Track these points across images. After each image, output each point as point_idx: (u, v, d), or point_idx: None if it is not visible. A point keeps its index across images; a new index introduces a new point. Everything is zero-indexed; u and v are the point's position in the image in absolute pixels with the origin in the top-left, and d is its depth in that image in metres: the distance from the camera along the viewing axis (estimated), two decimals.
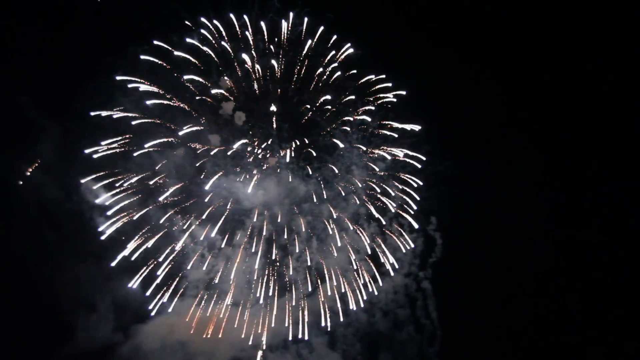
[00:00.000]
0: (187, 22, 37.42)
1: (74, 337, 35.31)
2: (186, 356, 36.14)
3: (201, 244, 38.06)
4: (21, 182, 35.69)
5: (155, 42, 36.64)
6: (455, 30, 43.61)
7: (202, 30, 37.72)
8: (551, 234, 42.14)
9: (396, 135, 39.73)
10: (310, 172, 39.19)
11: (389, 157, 39.67)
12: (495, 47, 43.14)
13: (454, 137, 41.88)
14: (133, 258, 35.70)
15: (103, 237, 35.22)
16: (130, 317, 36.94)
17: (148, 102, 36.23)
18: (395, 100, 39.86)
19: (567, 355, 40.48)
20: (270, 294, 38.72)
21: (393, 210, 39.77)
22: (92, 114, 35.34)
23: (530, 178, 42.71)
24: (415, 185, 39.55)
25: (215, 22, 38.01)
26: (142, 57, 36.23)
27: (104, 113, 35.50)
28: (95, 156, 35.50)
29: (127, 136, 36.31)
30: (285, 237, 39.17)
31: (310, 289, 38.96)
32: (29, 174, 36.17)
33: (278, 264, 39.10)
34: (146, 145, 36.16)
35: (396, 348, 39.41)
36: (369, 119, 39.76)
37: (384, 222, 39.74)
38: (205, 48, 37.77)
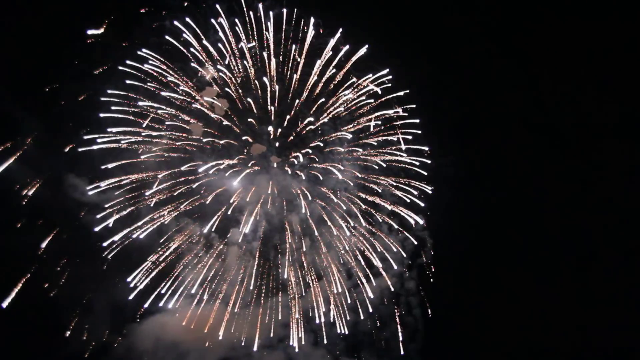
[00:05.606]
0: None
1: (67, 338, 35.80)
2: (179, 356, 36.80)
3: (195, 243, 38.30)
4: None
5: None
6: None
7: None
8: (541, 233, 42.12)
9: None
10: (299, 171, 38.93)
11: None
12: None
13: (444, 136, 41.70)
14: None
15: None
16: (124, 317, 37.45)
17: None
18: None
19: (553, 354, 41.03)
20: (263, 293, 39.11)
21: (384, 209, 39.78)
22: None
23: (522, 177, 42.63)
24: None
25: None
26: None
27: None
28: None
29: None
30: (278, 236, 39.34)
31: (302, 290, 39.23)
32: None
33: (271, 263, 39.40)
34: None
35: (378, 345, 39.89)
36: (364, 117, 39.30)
37: (374, 222, 39.84)
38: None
